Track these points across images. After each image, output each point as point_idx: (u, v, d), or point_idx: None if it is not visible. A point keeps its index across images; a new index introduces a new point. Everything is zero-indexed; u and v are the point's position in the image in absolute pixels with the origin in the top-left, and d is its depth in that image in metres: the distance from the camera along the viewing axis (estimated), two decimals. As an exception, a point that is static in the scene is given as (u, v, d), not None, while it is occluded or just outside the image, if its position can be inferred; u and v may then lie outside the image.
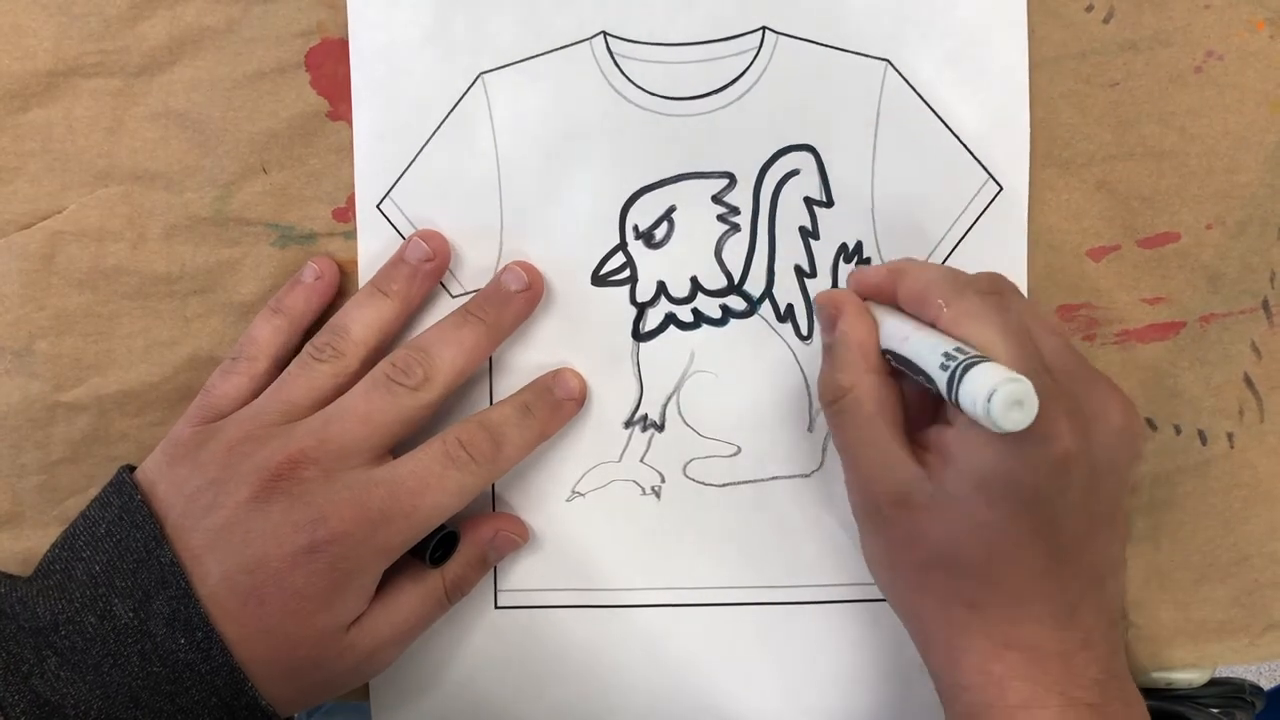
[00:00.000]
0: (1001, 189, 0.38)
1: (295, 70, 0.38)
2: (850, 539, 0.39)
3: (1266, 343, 0.39)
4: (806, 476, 0.39)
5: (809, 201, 0.39)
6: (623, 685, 0.40)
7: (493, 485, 0.39)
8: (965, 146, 0.38)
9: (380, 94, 0.38)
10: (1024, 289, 0.38)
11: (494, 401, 0.39)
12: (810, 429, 0.39)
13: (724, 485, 0.40)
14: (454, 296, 0.39)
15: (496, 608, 0.40)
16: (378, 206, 0.39)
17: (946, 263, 0.38)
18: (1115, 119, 0.38)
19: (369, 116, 0.38)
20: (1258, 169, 0.38)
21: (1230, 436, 0.38)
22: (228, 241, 0.39)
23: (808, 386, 0.39)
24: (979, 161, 0.38)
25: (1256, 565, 0.39)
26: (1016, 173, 0.38)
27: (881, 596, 0.37)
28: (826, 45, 0.38)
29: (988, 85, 0.38)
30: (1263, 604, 0.39)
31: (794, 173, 0.38)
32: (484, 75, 0.38)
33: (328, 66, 0.38)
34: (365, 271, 0.39)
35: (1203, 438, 0.39)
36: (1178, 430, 0.39)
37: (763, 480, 0.40)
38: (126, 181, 0.38)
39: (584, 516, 0.40)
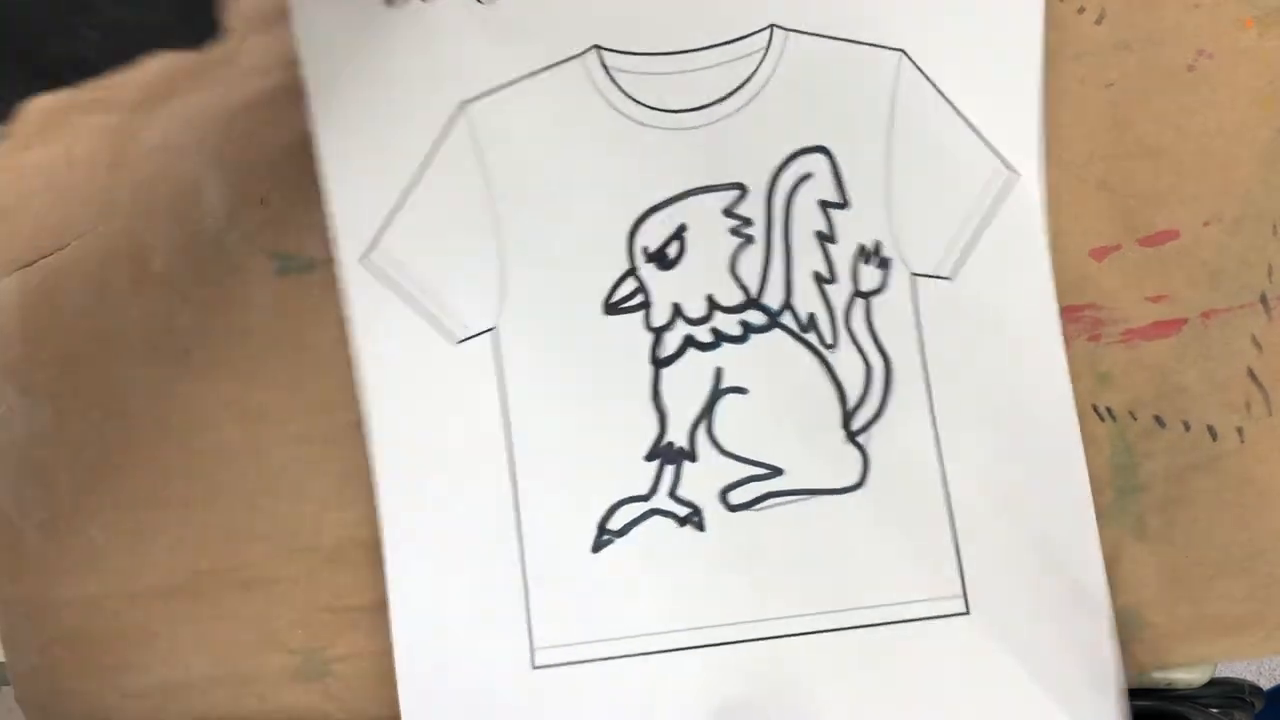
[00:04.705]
0: (1019, 175, 0.37)
1: (292, 99, 0.38)
2: (910, 547, 0.37)
3: (1266, 336, 0.39)
4: (850, 489, 0.37)
5: (824, 204, 0.37)
6: None
7: (518, 540, 0.38)
8: (979, 135, 0.36)
9: (350, 138, 0.36)
10: (1046, 277, 0.37)
11: (511, 440, 0.37)
12: (847, 440, 0.37)
13: (766, 508, 0.37)
14: (459, 342, 0.37)
15: (535, 668, 0.37)
16: (366, 258, 0.37)
17: (971, 253, 0.37)
18: (1112, 119, 0.38)
19: (340, 163, 0.36)
20: (1252, 165, 0.38)
21: (1240, 431, 0.39)
22: (229, 271, 0.39)
23: (840, 394, 0.37)
24: (993, 149, 0.37)
25: (1271, 559, 0.39)
26: (1031, 159, 0.37)
27: (947, 612, 0.37)
28: (839, 38, 0.36)
29: (1002, 69, 0.36)
30: (1278, 597, 0.39)
31: (807, 176, 0.37)
32: (466, 105, 0.36)
33: (324, 94, 0.38)
34: (359, 331, 0.37)
35: (1212, 433, 0.39)
36: (1187, 426, 0.39)
37: (807, 498, 0.37)
38: (127, 216, 0.38)
39: (618, 559, 0.37)
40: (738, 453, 0.37)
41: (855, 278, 0.37)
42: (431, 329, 0.37)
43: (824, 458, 0.37)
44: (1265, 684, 0.50)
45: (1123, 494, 0.38)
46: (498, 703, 0.37)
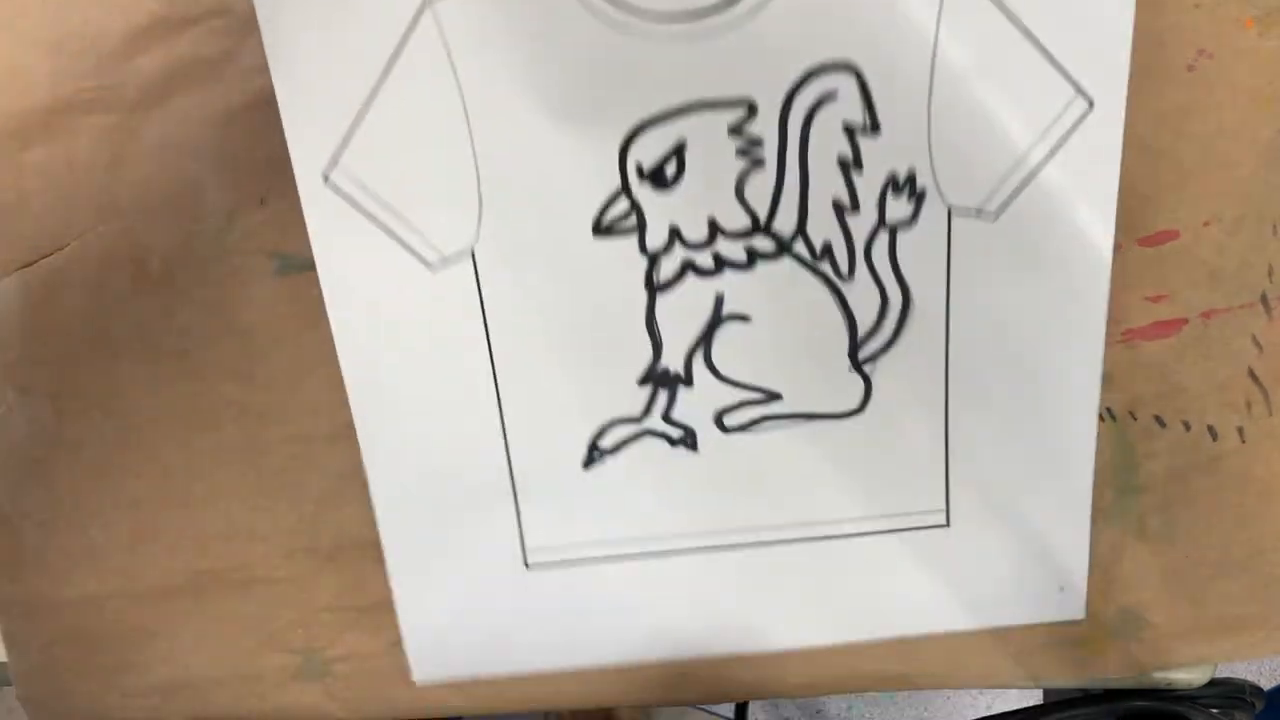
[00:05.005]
0: (1092, 105, 0.32)
1: (292, 99, 0.38)
2: (901, 468, 0.38)
3: (1267, 336, 0.39)
4: (849, 414, 0.37)
5: (850, 129, 0.32)
6: (666, 631, 0.38)
7: (509, 467, 0.37)
8: (1048, 56, 0.31)
9: (300, 44, 0.32)
10: (1106, 230, 0.35)
11: (495, 368, 0.36)
12: (853, 368, 0.36)
13: (761, 430, 0.37)
14: (433, 268, 0.34)
15: (527, 568, 0.38)
16: (325, 179, 0.33)
17: (1022, 191, 0.33)
18: (1112, 119, 0.38)
19: (291, 62, 0.32)
20: (1252, 165, 0.38)
21: (1240, 431, 0.39)
22: (229, 271, 0.38)
23: (851, 324, 0.35)
24: (1064, 74, 0.32)
25: (1272, 559, 0.39)
26: (1114, 87, 0.32)
27: (928, 524, 0.38)
28: None
29: None
30: (1279, 597, 0.39)
31: (829, 97, 0.32)
32: (432, 3, 0.32)
33: (324, 94, 0.38)
34: (324, 258, 0.34)
35: (1213, 433, 0.39)
36: (1187, 426, 0.39)
37: (803, 421, 0.36)
38: (128, 216, 0.38)
39: (609, 476, 0.37)
40: (736, 378, 0.36)
41: (881, 209, 0.34)
42: (405, 256, 0.35)
43: (826, 383, 0.36)
44: (1265, 684, 0.50)
45: (1123, 494, 0.39)
46: (492, 598, 0.38)
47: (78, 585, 0.40)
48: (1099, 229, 0.35)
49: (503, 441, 0.37)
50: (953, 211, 0.34)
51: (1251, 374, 0.39)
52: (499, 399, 0.37)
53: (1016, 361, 0.37)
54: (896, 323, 0.36)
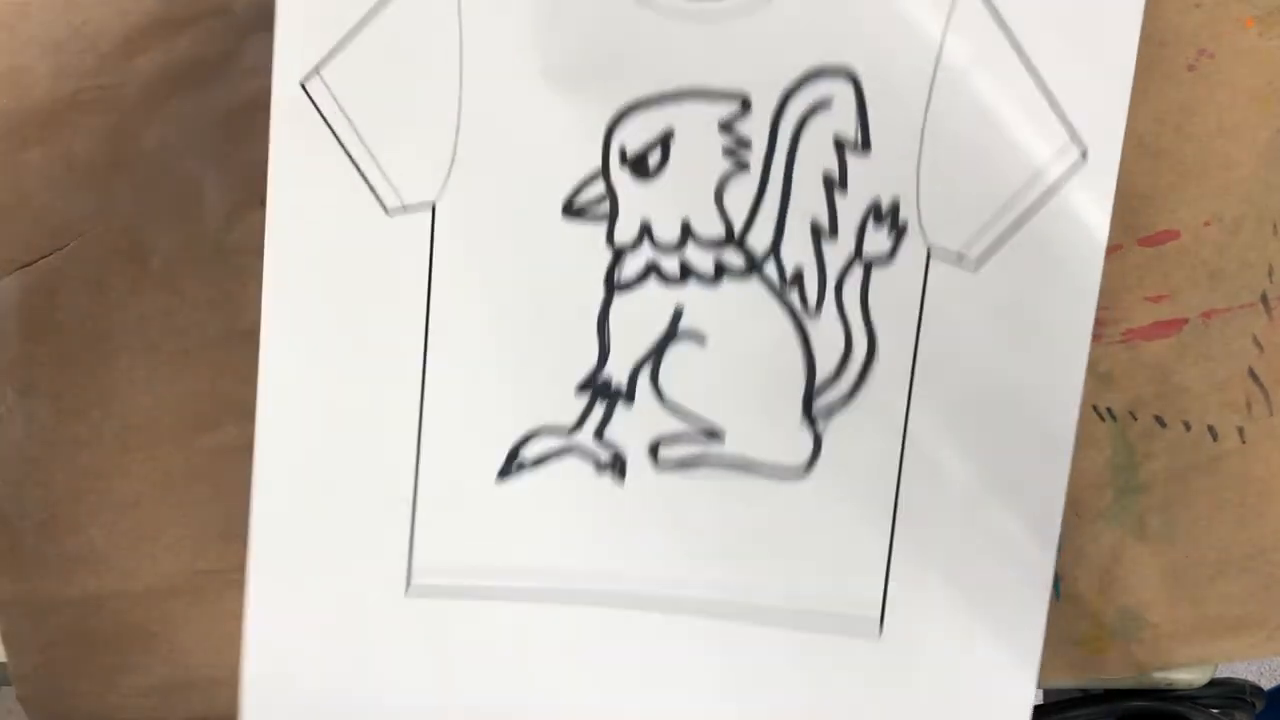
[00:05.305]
0: (1086, 155, 0.31)
1: (292, 99, 0.38)
2: (840, 552, 0.34)
3: (1267, 336, 0.39)
4: (792, 474, 0.34)
5: (839, 142, 0.31)
6: (547, 688, 0.34)
7: (416, 449, 0.33)
8: (1047, 96, 0.31)
9: None
10: (1089, 291, 0.33)
11: (428, 342, 0.33)
12: (803, 419, 0.33)
13: (695, 472, 0.34)
14: (389, 212, 0.32)
15: (408, 592, 0.34)
16: (302, 85, 0.31)
17: (1006, 241, 0.32)
18: (1112, 119, 0.38)
19: None
20: (1252, 165, 0.38)
21: (1241, 431, 0.39)
22: (229, 272, 0.39)
23: (810, 367, 0.33)
24: (1064, 118, 0.31)
25: (1273, 559, 0.39)
26: (1110, 138, 0.31)
27: (858, 630, 0.34)
28: None
29: (1088, 18, 0.30)
30: None
31: (824, 103, 0.31)
32: None
33: (324, 94, 0.38)
34: (278, 173, 0.32)
35: (1213, 433, 0.39)
36: (1187, 426, 0.39)
37: (743, 470, 0.34)
38: (127, 216, 0.38)
39: (522, 492, 0.33)
40: (679, 404, 0.33)
41: (860, 238, 0.32)
42: (364, 193, 0.32)
43: (773, 432, 0.33)
44: (1266, 684, 0.50)
45: (1123, 494, 0.38)
46: (361, 625, 0.34)
47: (78, 585, 0.40)
48: (1081, 294, 0.33)
49: (417, 425, 0.33)
50: (932, 253, 0.33)
51: (1252, 374, 0.39)
52: (423, 375, 0.33)
53: (980, 437, 0.34)
54: (858, 374, 0.34)
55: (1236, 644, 0.39)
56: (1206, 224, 0.38)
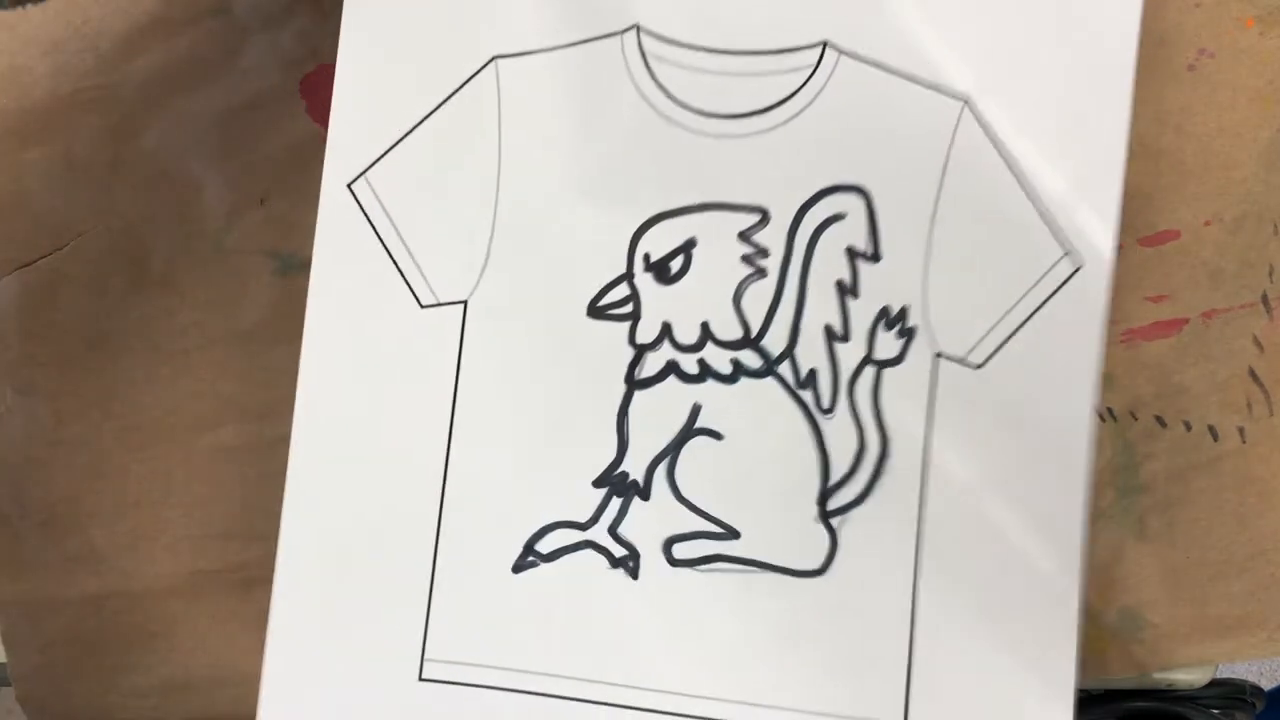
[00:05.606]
0: (1079, 268, 0.33)
1: (291, 98, 0.38)
2: (858, 653, 0.34)
3: (1268, 337, 0.39)
4: (809, 574, 0.34)
5: (852, 253, 0.33)
6: None
7: (435, 537, 0.35)
8: (1042, 215, 0.33)
9: (375, 52, 0.33)
10: (1089, 388, 0.33)
11: (453, 433, 0.34)
12: (819, 518, 0.34)
13: (710, 571, 0.34)
14: (424, 307, 0.34)
15: (421, 679, 0.34)
16: (349, 186, 0.34)
17: (1008, 343, 0.34)
18: (1112, 119, 0.38)
19: (355, 75, 0.33)
20: (1252, 165, 0.38)
21: (1241, 431, 0.39)
22: (229, 272, 0.39)
23: (824, 466, 0.34)
24: (1056, 235, 0.33)
25: (1273, 559, 0.39)
26: (1102, 251, 0.33)
27: None
28: (897, 73, 0.33)
29: (1079, 143, 0.33)
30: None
31: (838, 217, 0.33)
32: (498, 60, 0.34)
33: (323, 93, 0.38)
34: (322, 264, 0.34)
35: (1213, 433, 0.39)
36: (1188, 427, 0.39)
37: (759, 571, 0.34)
38: (127, 216, 0.38)
39: (537, 586, 0.34)
40: (695, 502, 0.34)
41: (871, 342, 0.34)
42: (399, 283, 0.35)
43: (789, 532, 0.34)
44: (1266, 684, 0.50)
45: (1124, 494, 0.38)
46: (372, 710, 0.34)
47: (78, 585, 0.40)
48: (1080, 392, 0.34)
49: (437, 513, 0.35)
50: (940, 357, 0.34)
51: (1252, 374, 0.39)
52: (446, 465, 0.35)
53: (994, 530, 0.34)
54: (872, 472, 0.34)
55: (1237, 644, 0.39)
56: (1207, 224, 0.38)
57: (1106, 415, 0.38)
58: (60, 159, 0.38)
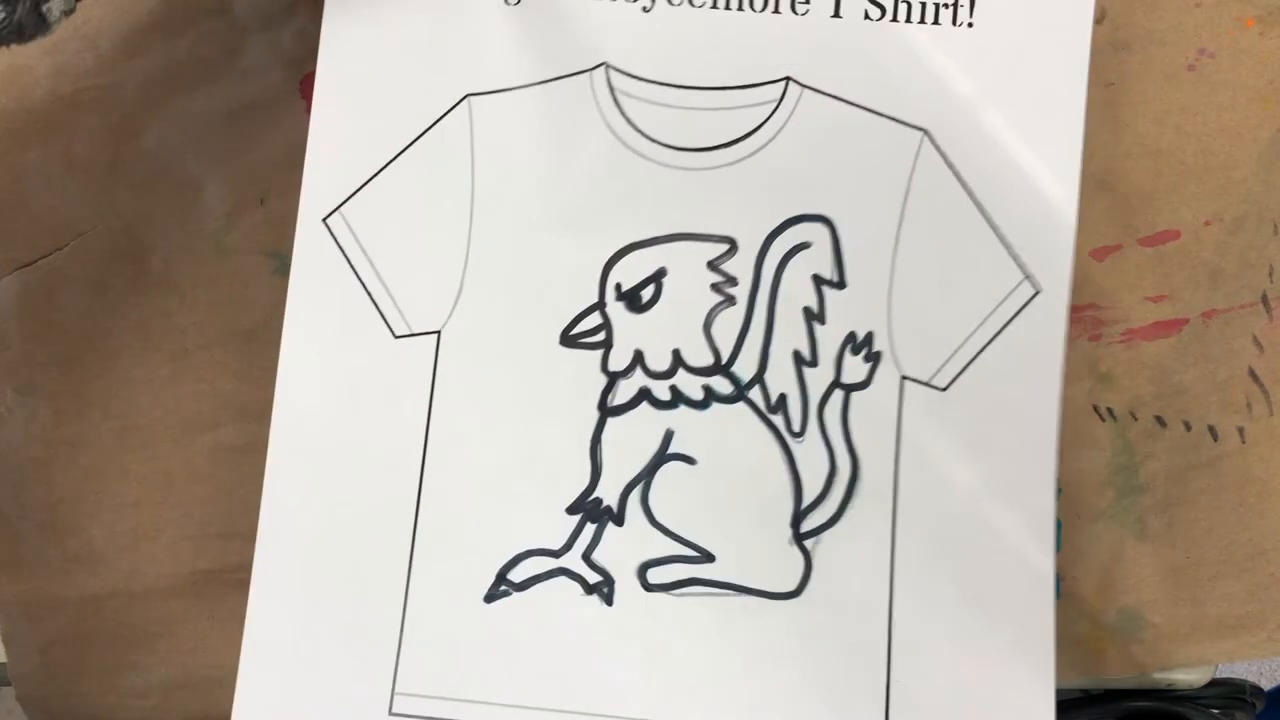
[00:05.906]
0: (1038, 292, 0.34)
1: (291, 98, 0.38)
2: (836, 675, 0.34)
3: (1268, 337, 0.39)
4: (784, 596, 0.34)
5: (818, 280, 0.34)
6: None
7: (408, 567, 0.34)
8: (1002, 241, 0.34)
9: (349, 94, 0.34)
10: (1051, 407, 0.34)
11: (425, 461, 0.34)
12: (793, 540, 0.34)
13: (685, 595, 0.34)
14: (397, 337, 0.35)
15: (391, 714, 0.34)
16: (324, 221, 0.35)
17: (971, 365, 0.34)
18: (1112, 118, 0.38)
19: (330, 114, 0.34)
20: (1252, 165, 0.38)
21: (1241, 431, 0.39)
22: (228, 272, 0.39)
23: (797, 489, 0.34)
24: (1015, 260, 0.34)
25: (1273, 559, 0.39)
26: (1059, 275, 0.34)
27: None
28: (857, 105, 0.34)
29: (1035, 172, 0.34)
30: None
31: (804, 245, 0.34)
32: (471, 98, 0.35)
33: (324, 94, 0.38)
34: (297, 295, 0.35)
35: (1213, 433, 0.39)
36: (1188, 427, 0.39)
37: (734, 594, 0.34)
38: (127, 216, 0.38)
39: (509, 615, 0.34)
40: (669, 526, 0.34)
41: (839, 366, 0.35)
42: (373, 315, 0.35)
43: (763, 554, 0.34)
44: (1266, 684, 0.50)
45: (1123, 494, 0.38)
46: None
47: (78, 585, 0.40)
48: (1044, 411, 0.34)
49: (410, 542, 0.35)
50: (905, 379, 0.35)
51: (1252, 374, 0.39)
52: (419, 493, 0.35)
53: (966, 549, 0.34)
54: (844, 494, 0.34)
55: (1236, 644, 0.39)
56: (1207, 224, 0.38)
57: (1106, 415, 0.38)
58: (60, 159, 0.38)
